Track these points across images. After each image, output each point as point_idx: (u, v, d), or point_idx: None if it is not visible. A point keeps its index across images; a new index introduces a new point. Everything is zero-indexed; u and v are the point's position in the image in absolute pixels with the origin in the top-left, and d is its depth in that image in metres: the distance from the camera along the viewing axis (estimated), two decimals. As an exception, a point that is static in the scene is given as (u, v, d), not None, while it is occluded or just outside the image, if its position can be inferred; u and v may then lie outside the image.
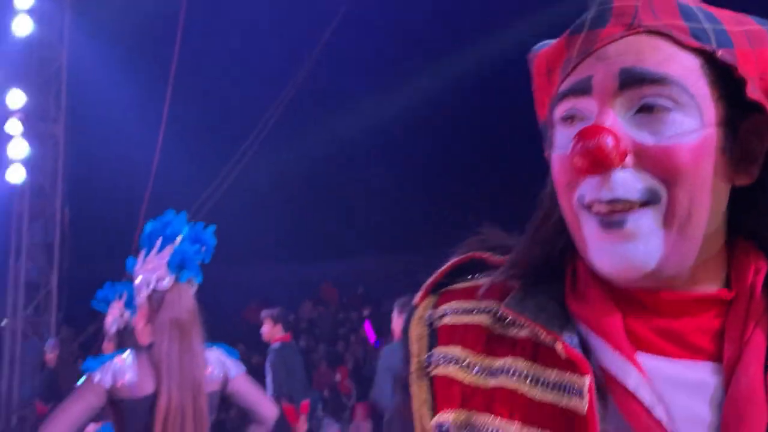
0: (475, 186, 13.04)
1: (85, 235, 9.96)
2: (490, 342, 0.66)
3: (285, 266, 13.88)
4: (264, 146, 9.63)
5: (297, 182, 13.64)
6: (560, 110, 0.63)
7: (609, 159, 0.56)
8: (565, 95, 0.62)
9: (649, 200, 0.58)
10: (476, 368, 0.65)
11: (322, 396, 8.33)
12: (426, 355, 0.69)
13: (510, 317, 0.65)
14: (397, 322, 4.24)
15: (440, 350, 0.68)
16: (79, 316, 10.38)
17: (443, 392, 0.66)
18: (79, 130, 9.28)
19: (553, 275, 0.66)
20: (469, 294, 0.69)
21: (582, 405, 0.58)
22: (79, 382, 2.28)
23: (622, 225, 0.58)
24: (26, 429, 7.95)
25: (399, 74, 12.46)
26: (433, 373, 0.67)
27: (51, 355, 6.46)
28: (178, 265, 2.32)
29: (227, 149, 9.85)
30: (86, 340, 8.62)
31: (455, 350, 0.67)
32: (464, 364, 0.66)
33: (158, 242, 2.36)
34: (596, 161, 0.56)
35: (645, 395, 0.57)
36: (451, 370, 0.66)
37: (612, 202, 0.58)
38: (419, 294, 0.73)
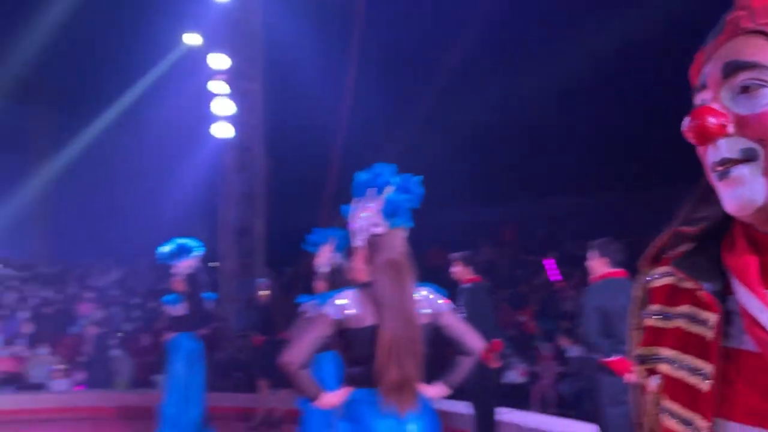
0: (664, 132, 12.29)
1: (285, 184, 10.81)
2: (672, 295, 0.87)
3: (467, 208, 14.10)
4: (452, 91, 9.75)
5: (486, 124, 13.61)
6: (695, 101, 0.83)
7: (708, 132, 0.76)
8: (695, 90, 0.84)
9: (748, 158, 0.76)
10: (663, 315, 0.88)
11: (508, 336, 8.52)
12: (641, 312, 0.92)
13: (678, 275, 0.85)
14: (597, 263, 4.27)
15: (649, 307, 0.90)
16: (280, 259, 11.42)
17: (645, 336, 0.90)
18: (276, 87, 9.99)
19: (718, 235, 0.85)
20: (666, 260, 0.89)
21: (711, 335, 0.79)
22: (309, 314, 2.61)
23: (728, 175, 0.77)
24: (242, 357, 8.89)
25: (590, 19, 11.94)
26: (644, 324, 0.91)
27: (263, 293, 7.22)
28: (390, 213, 2.55)
29: (416, 97, 10.08)
30: (288, 280, 9.45)
31: (655, 307, 0.89)
32: (659, 314, 0.88)
33: (371, 191, 2.60)
34: (699, 134, 0.77)
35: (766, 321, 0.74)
36: (652, 321, 0.89)
37: (720, 161, 0.77)
38: (642, 262, 0.94)
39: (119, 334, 11.37)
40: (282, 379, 6.83)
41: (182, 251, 6.37)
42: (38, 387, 10.20)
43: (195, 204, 12.73)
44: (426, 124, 9.63)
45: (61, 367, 10.80)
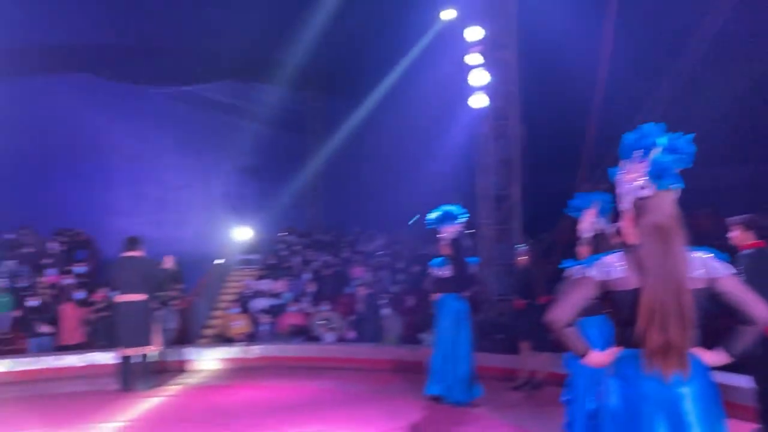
0: None
1: (540, 150, 10.77)
2: None
3: (736, 169, 12.77)
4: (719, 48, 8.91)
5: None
6: None
7: None
8: None
9: None
10: None
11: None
12: None
13: None
14: None
15: None
16: (536, 224, 11.44)
17: None
18: (529, 54, 9.97)
19: None
20: None
21: None
22: (575, 276, 2.69)
23: None
24: (503, 320, 9.12)
25: None
26: None
27: (522, 258, 7.37)
28: (657, 175, 2.50)
29: (678, 56, 9.39)
30: (547, 246, 9.46)
31: None
32: None
33: (637, 153, 2.57)
34: None
35: None
36: None
37: None
38: None
39: (387, 295, 12.33)
40: (543, 342, 6.98)
41: (448, 217, 6.77)
42: (320, 339, 11.55)
43: (453, 173, 13.25)
44: (691, 82, 8.90)
45: (339, 322, 12.10)
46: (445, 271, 6.72)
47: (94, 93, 19.75)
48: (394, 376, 8.28)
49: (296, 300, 12.84)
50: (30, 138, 19.21)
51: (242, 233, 18.89)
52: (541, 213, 11.92)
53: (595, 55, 8.84)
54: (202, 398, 7.41)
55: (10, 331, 11.80)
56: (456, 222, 6.82)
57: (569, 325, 2.53)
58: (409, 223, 20.10)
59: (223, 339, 12.07)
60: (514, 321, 7.61)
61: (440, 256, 6.91)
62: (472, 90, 9.59)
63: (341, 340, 11.76)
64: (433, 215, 6.89)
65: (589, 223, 4.10)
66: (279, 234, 19.41)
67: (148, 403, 7.16)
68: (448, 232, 6.80)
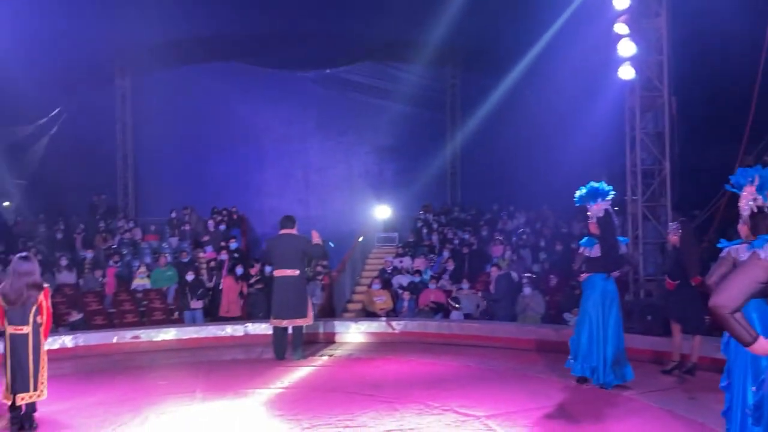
0: None
1: (692, 123, 10.15)
2: None
3: None
4: None
5: None
6: None
7: None
8: None
9: None
10: None
11: None
12: None
13: None
14: None
15: None
16: (689, 201, 10.81)
17: None
18: (681, 21, 9.37)
19: None
20: None
21: None
22: (743, 258, 2.54)
23: None
24: (653, 301, 8.71)
25: None
26: None
27: (674, 237, 7.00)
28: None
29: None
30: (701, 223, 8.91)
31: None
32: None
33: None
34: None
35: None
36: None
37: None
38: None
39: (529, 275, 12.17)
40: (696, 326, 6.62)
41: (596, 194, 6.56)
42: (464, 317, 11.63)
43: (600, 148, 12.75)
44: None
45: (479, 300, 12.12)
46: (594, 251, 6.54)
47: (244, 79, 20.92)
48: (536, 356, 8.20)
49: (436, 278, 12.99)
50: (188, 124, 20.70)
51: (382, 211, 19.34)
52: (693, 189, 11.24)
53: (758, 17, 8.13)
54: (349, 369, 7.74)
55: (174, 302, 12.91)
56: (604, 199, 6.60)
57: (736, 310, 2.41)
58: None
59: (367, 313, 12.49)
60: (665, 302, 7.26)
61: (588, 234, 6.73)
62: (620, 60, 9.15)
63: (481, 318, 11.79)
64: (580, 192, 6.71)
65: (748, 199, 3.81)
66: (418, 212, 19.65)
67: (301, 372, 7.59)
68: (596, 209, 6.60)
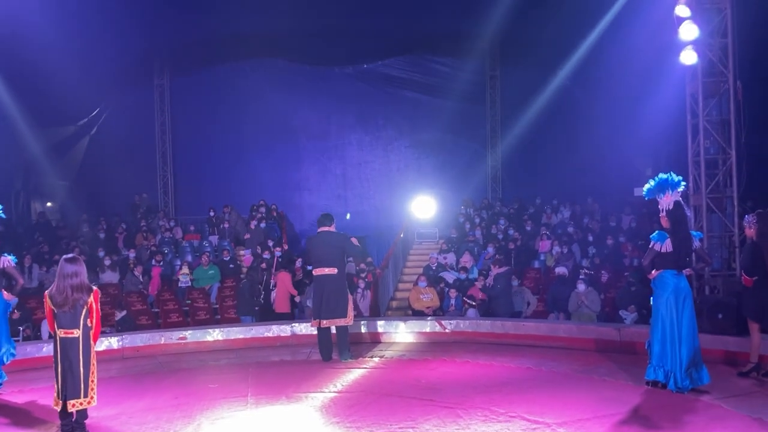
0: None
1: (759, 109, 9.61)
2: None
3: None
4: None
5: None
6: None
7: None
8: None
9: None
10: None
11: None
12: None
13: None
14: None
15: None
16: (758, 191, 10.26)
17: None
18: (745, 3, 8.86)
19: None
20: None
21: None
22: None
23: None
24: (724, 298, 8.22)
25: None
26: None
27: (751, 230, 6.55)
28: None
29: None
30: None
31: None
32: None
33: None
34: None
35: None
36: None
37: None
38: None
39: (586, 270, 11.74)
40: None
41: (666, 186, 6.17)
42: (513, 314, 11.25)
43: (659, 137, 12.21)
44: None
45: (530, 297, 11.72)
46: (665, 246, 6.12)
47: (282, 76, 20.78)
48: (599, 357, 7.80)
49: (484, 274, 12.62)
50: (227, 122, 20.67)
51: (421, 207, 18.97)
52: (763, 178, 10.68)
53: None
54: (403, 372, 7.45)
55: (217, 301, 12.78)
56: (674, 191, 6.19)
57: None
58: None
59: (412, 312, 12.19)
60: (741, 299, 6.80)
61: (659, 229, 6.32)
62: (681, 45, 8.66)
63: (534, 316, 11.41)
64: (649, 185, 6.31)
65: None
66: (458, 207, 19.27)
67: (353, 374, 7.33)
68: (666, 201, 6.20)
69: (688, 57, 8.62)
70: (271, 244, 14.33)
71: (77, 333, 5.28)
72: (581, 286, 10.63)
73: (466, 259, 14.06)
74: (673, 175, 6.27)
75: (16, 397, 6.79)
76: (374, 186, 22.20)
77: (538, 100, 19.35)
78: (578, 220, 16.59)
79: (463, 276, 12.82)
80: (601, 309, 10.79)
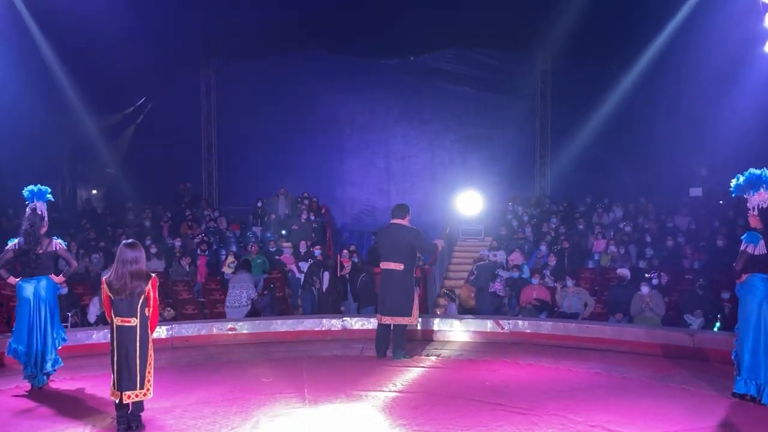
0: None
1: None
2: None
3: None
4: None
5: None
6: None
7: None
8: None
9: None
10: None
11: None
12: None
13: None
14: None
15: None
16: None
17: None
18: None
19: None
20: None
21: None
22: None
23: None
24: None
25: None
26: None
27: None
28: None
29: None
30: None
31: None
32: None
33: None
34: None
35: None
36: None
37: None
38: None
39: (655, 273, 11.22)
40: None
41: (758, 183, 5.69)
42: (569, 316, 10.80)
43: (748, 132, 11.55)
44: None
45: (587, 298, 11.24)
46: (760, 248, 5.64)
47: (327, 67, 20.53)
48: (669, 364, 7.33)
49: (539, 273, 12.19)
50: (271, 113, 20.51)
51: (466, 202, 18.51)
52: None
53: None
54: (464, 372, 7.09)
55: (262, 291, 12.55)
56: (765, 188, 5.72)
57: None
58: None
59: (464, 310, 11.83)
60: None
61: (748, 229, 5.84)
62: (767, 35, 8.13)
63: (592, 318, 10.94)
64: (737, 181, 5.85)
65: None
66: (505, 204, 18.80)
67: (411, 373, 7.00)
68: (758, 200, 5.72)
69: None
70: (311, 250, 13.74)
71: (134, 322, 5.05)
72: (645, 289, 10.13)
73: (516, 257, 13.63)
74: (766, 172, 5.79)
75: (68, 384, 6.63)
76: (418, 181, 21.82)
77: (590, 98, 18.80)
78: (632, 220, 16.00)
79: (515, 274, 12.38)
80: (669, 311, 10.28)
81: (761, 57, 8.62)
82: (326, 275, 11.99)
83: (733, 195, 5.95)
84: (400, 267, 7.71)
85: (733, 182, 5.92)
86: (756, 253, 5.65)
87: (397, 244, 7.72)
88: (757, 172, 5.78)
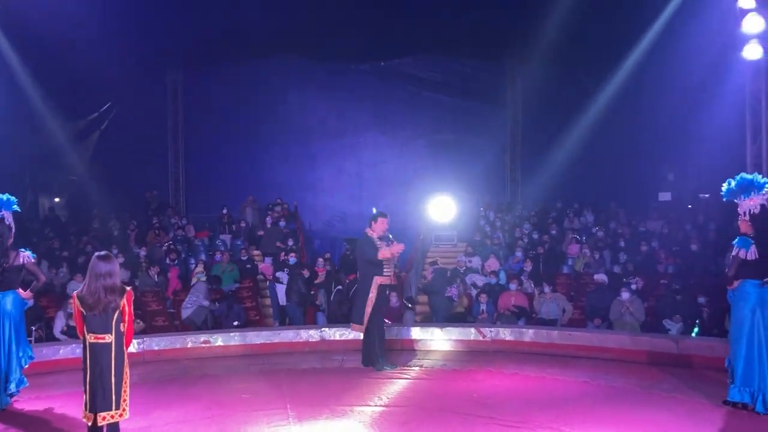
0: None
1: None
2: None
3: None
4: None
5: None
6: None
7: None
8: None
9: None
10: None
11: None
12: None
13: None
14: None
15: None
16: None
17: None
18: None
19: None
20: None
21: None
22: None
23: None
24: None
25: None
26: None
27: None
28: None
29: None
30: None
31: None
32: None
33: None
34: None
35: None
36: None
37: None
38: None
39: (633, 279, 11.20)
40: None
41: (749, 187, 5.64)
42: (548, 322, 10.71)
43: (719, 137, 11.63)
44: None
45: (565, 304, 11.18)
46: (751, 253, 5.58)
47: (297, 73, 20.31)
48: (656, 371, 7.27)
49: (513, 279, 12.09)
50: (240, 119, 20.19)
51: (439, 209, 18.37)
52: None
53: None
54: (450, 384, 6.92)
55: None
56: (759, 193, 5.67)
57: None
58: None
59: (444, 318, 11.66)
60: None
61: (739, 234, 5.77)
62: (745, 39, 8.15)
63: (570, 324, 10.88)
64: (728, 185, 5.79)
65: None
66: (477, 209, 18.74)
67: (396, 385, 6.80)
68: (750, 204, 5.67)
69: (753, 51, 8.10)
70: (286, 259, 13.46)
71: (109, 338, 4.75)
72: (625, 295, 10.08)
73: (493, 263, 13.53)
74: (758, 177, 5.75)
75: (34, 404, 6.27)
76: (390, 187, 21.63)
77: (561, 105, 18.91)
78: (603, 224, 16.06)
79: (493, 280, 12.28)
80: (648, 317, 10.26)
81: (737, 63, 8.62)
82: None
83: (725, 199, 5.88)
84: (358, 275, 7.75)
85: (725, 186, 5.85)
86: (748, 258, 5.59)
87: (357, 253, 7.86)
88: (749, 176, 5.74)
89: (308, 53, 19.99)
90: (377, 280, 7.60)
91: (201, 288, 11.48)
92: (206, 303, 11.20)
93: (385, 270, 7.66)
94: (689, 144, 15.63)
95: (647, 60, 14.54)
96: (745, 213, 5.69)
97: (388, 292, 8.44)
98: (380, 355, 7.64)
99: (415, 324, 10.06)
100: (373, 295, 7.59)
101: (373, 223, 7.81)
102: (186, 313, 11.20)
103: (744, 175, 5.74)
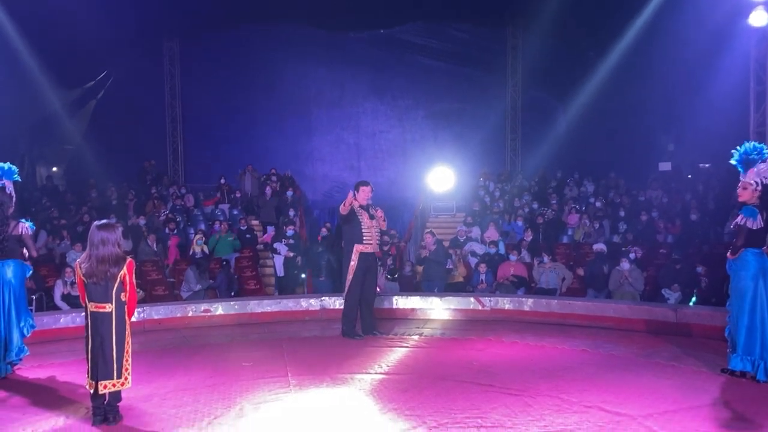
0: None
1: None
2: None
3: None
4: None
5: None
6: None
7: None
8: None
9: None
10: None
11: None
12: None
13: None
14: None
15: None
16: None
17: None
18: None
19: None
20: None
21: None
22: None
23: None
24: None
25: None
26: None
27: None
28: None
29: None
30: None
31: None
32: None
33: None
34: None
35: None
36: None
37: None
38: None
39: (633, 249, 11.21)
40: None
41: (753, 157, 5.57)
42: (547, 292, 10.76)
43: (721, 108, 11.54)
44: None
45: (566, 273, 11.20)
46: (757, 222, 5.53)
47: (295, 41, 20.03)
48: (655, 340, 7.30)
49: (513, 249, 12.10)
50: (238, 88, 19.97)
51: (438, 179, 18.34)
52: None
53: None
54: (450, 352, 6.94)
55: (236, 272, 12.25)
56: (763, 162, 5.61)
57: None
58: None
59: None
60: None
61: (743, 203, 5.72)
62: (751, 5, 8.03)
63: (569, 293, 10.91)
64: (740, 151, 5.70)
65: None
66: (477, 179, 18.68)
67: (396, 353, 6.83)
68: (755, 174, 5.61)
69: (759, 18, 7.98)
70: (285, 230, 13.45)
71: (109, 308, 4.74)
72: (625, 264, 10.11)
73: (492, 233, 13.53)
74: (756, 145, 5.68)
75: (37, 372, 6.29)
76: (389, 157, 21.58)
77: (561, 74, 18.73)
78: (603, 194, 16.03)
79: (492, 250, 12.29)
80: (647, 286, 10.29)
81: (741, 30, 8.51)
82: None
83: (737, 162, 5.74)
84: (342, 244, 7.76)
85: (735, 154, 5.76)
86: (754, 227, 5.55)
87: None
88: (759, 145, 5.66)
89: (306, 22, 19.73)
90: (357, 248, 7.59)
91: (190, 276, 11.54)
92: (198, 287, 11.28)
93: (365, 238, 7.61)
94: (690, 114, 15.54)
95: (650, 29, 14.35)
96: (753, 182, 5.60)
97: (380, 264, 8.41)
98: (346, 322, 7.65)
99: (414, 294, 10.04)
100: (354, 263, 7.58)
101: (355, 192, 7.75)
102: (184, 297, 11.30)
103: (754, 143, 5.65)
